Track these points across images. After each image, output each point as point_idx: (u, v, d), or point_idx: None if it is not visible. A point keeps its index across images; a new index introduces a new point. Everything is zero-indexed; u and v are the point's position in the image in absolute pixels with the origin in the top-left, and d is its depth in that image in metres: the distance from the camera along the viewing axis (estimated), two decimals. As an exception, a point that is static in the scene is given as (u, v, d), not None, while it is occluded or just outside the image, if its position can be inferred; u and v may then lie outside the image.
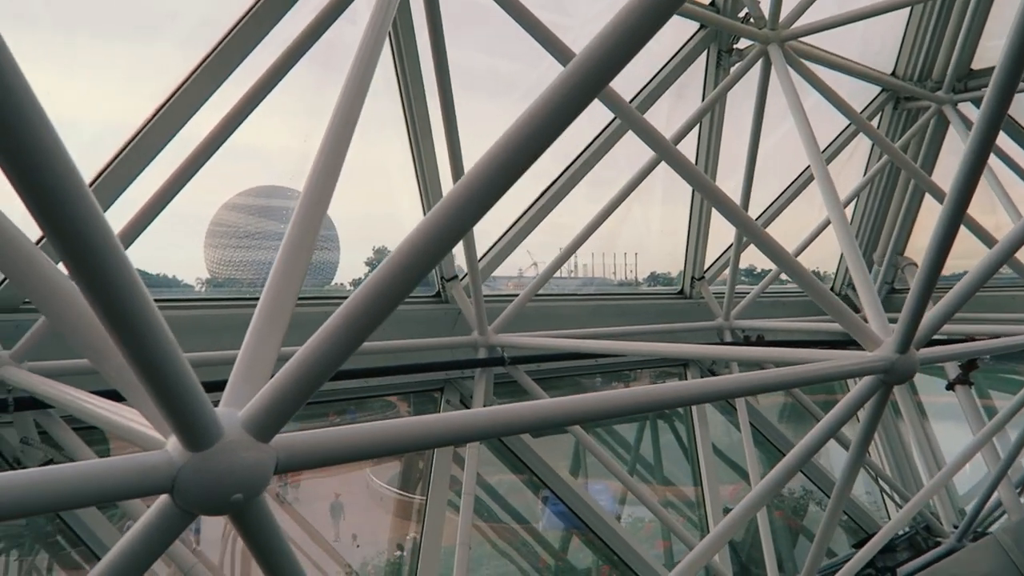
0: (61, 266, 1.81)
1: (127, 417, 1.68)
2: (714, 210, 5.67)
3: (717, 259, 6.67)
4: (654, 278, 7.19)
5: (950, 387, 6.97)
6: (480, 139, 4.83)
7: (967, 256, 6.15)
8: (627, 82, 5.50)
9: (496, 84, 5.63)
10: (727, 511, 6.05)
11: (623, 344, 4.53)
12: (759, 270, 7.56)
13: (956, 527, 6.59)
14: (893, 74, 6.89)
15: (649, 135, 3.61)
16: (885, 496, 7.95)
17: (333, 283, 5.59)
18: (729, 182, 6.12)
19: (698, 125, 5.56)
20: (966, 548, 6.01)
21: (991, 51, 6.77)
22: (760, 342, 6.03)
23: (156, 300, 1.23)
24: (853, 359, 3.04)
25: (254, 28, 3.66)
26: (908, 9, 6.57)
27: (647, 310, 6.23)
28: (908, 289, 7.63)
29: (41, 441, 3.47)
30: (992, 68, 2.33)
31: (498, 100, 5.69)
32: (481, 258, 5.08)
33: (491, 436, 4.43)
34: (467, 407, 5.07)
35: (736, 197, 5.54)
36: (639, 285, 7.04)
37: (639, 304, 6.37)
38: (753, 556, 6.59)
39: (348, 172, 2.39)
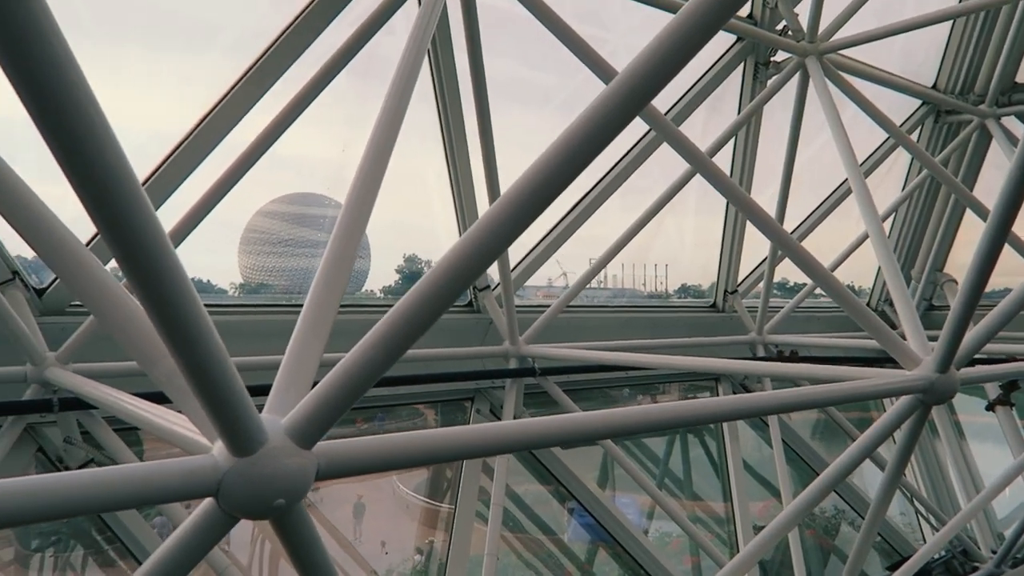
0: (110, 268, 1.87)
1: (172, 421, 1.72)
2: (748, 223, 5.63)
3: (751, 273, 6.62)
4: (684, 290, 7.15)
5: (990, 407, 6.82)
6: (515, 149, 4.87)
7: (1009, 273, 6.03)
8: (663, 93, 5.49)
9: (532, 95, 5.66)
10: (757, 528, 5.98)
11: (654, 357, 4.51)
12: (792, 283, 7.48)
13: (994, 552, 6.43)
14: (934, 87, 6.79)
15: (684, 148, 3.60)
16: (920, 518, 7.79)
17: (364, 290, 5.65)
18: (764, 194, 6.08)
19: (734, 137, 5.53)
20: (1004, 574, 5.86)
21: (1039, 63, 6.65)
22: (794, 358, 5.96)
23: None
24: (891, 378, 2.99)
25: (297, 40, 3.73)
26: (950, 22, 6.47)
27: (679, 323, 6.19)
28: (947, 306, 7.52)
29: (83, 440, 3.55)
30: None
31: (535, 111, 5.72)
32: (513, 269, 5.10)
33: (525, 448, 4.44)
34: (497, 417, 5.08)
35: (771, 209, 5.50)
36: (669, 297, 7.00)
37: (671, 317, 6.33)
38: None
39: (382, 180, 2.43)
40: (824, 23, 4.97)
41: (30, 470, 3.60)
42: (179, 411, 1.74)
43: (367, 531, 5.65)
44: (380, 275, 5.69)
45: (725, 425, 6.40)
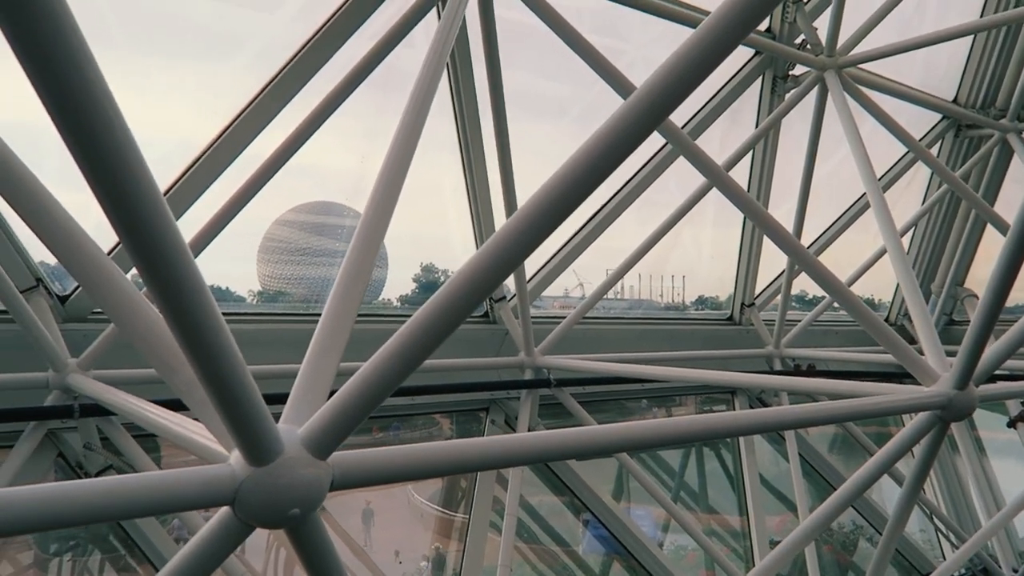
0: (131, 276, 1.90)
1: (191, 429, 1.75)
2: (766, 236, 5.61)
3: (768, 286, 6.58)
4: (702, 302, 7.13)
5: (1011, 424, 6.73)
6: (532, 161, 4.90)
7: (1030, 289, 5.96)
8: (680, 106, 5.48)
9: (549, 106, 5.68)
10: (773, 543, 5.93)
11: (670, 370, 4.50)
12: (811, 296, 7.44)
13: (1015, 571, 6.33)
14: (955, 101, 6.75)
15: (701, 161, 3.61)
16: (940, 535, 7.69)
17: (381, 299, 5.68)
18: (782, 208, 6.05)
19: (751, 150, 5.52)
20: (1026, 593, 5.77)
21: (1058, 79, 6.59)
22: (811, 372, 5.92)
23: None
24: (908, 394, 2.97)
25: (318, 53, 3.78)
26: (971, 36, 6.44)
27: (695, 335, 6.17)
28: (967, 321, 7.43)
29: (102, 446, 3.59)
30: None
31: (551, 122, 5.74)
32: (529, 280, 5.11)
33: (541, 460, 4.44)
34: (512, 428, 5.08)
35: (789, 223, 5.48)
36: (686, 309, 6.98)
37: (687, 329, 6.31)
38: (800, 591, 6.43)
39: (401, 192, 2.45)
40: (843, 37, 4.96)
41: (50, 475, 3.65)
42: (197, 419, 1.76)
43: (382, 539, 5.66)
44: (397, 284, 5.72)
45: (741, 439, 6.36)
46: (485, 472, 5.01)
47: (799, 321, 6.28)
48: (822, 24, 5.06)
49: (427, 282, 5.68)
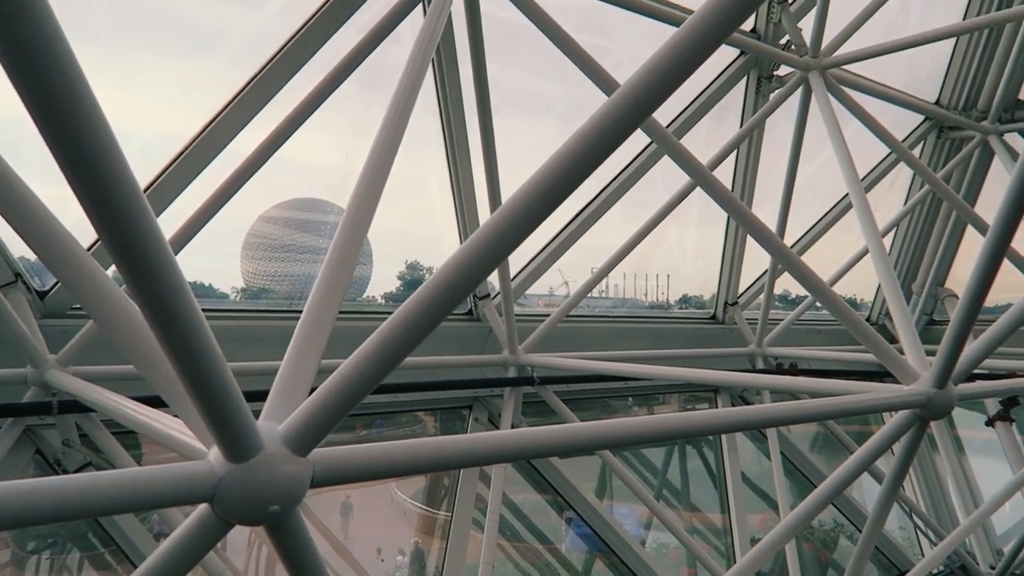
0: (111, 272, 1.88)
1: (170, 426, 1.73)
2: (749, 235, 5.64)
3: (751, 285, 6.62)
4: (686, 300, 7.16)
5: (990, 423, 6.81)
6: (517, 158, 4.89)
7: (1011, 289, 6.03)
8: (665, 105, 5.50)
9: (535, 104, 5.68)
10: (755, 541, 5.97)
11: (653, 368, 4.51)
12: (794, 295, 7.49)
13: (993, 568, 6.41)
14: (937, 103, 6.81)
15: (685, 161, 3.62)
16: (919, 532, 7.77)
17: (365, 296, 5.66)
18: (766, 207, 6.09)
19: (736, 149, 5.55)
20: (1003, 590, 5.84)
21: (1039, 82, 6.67)
22: (793, 370, 5.96)
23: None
24: (888, 393, 3.00)
25: (303, 48, 3.76)
26: (954, 39, 6.50)
27: (679, 334, 6.20)
28: (948, 321, 7.50)
29: (81, 443, 3.56)
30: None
31: (537, 120, 5.74)
32: (514, 277, 5.11)
33: (522, 458, 4.44)
34: (495, 425, 5.08)
35: (773, 222, 5.51)
36: (670, 307, 7.01)
37: (671, 328, 6.34)
38: (781, 588, 6.48)
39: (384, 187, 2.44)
40: (828, 38, 4.99)
41: (28, 472, 3.61)
42: (176, 416, 1.75)
43: (364, 537, 5.64)
44: (382, 281, 5.70)
45: (724, 437, 6.40)
46: (468, 470, 5.00)
47: (782, 320, 6.32)
48: (807, 25, 5.09)
49: (412, 279, 5.66)
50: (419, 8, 3.58)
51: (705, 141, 5.81)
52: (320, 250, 5.57)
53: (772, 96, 5.37)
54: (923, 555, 7.35)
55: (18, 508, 1.23)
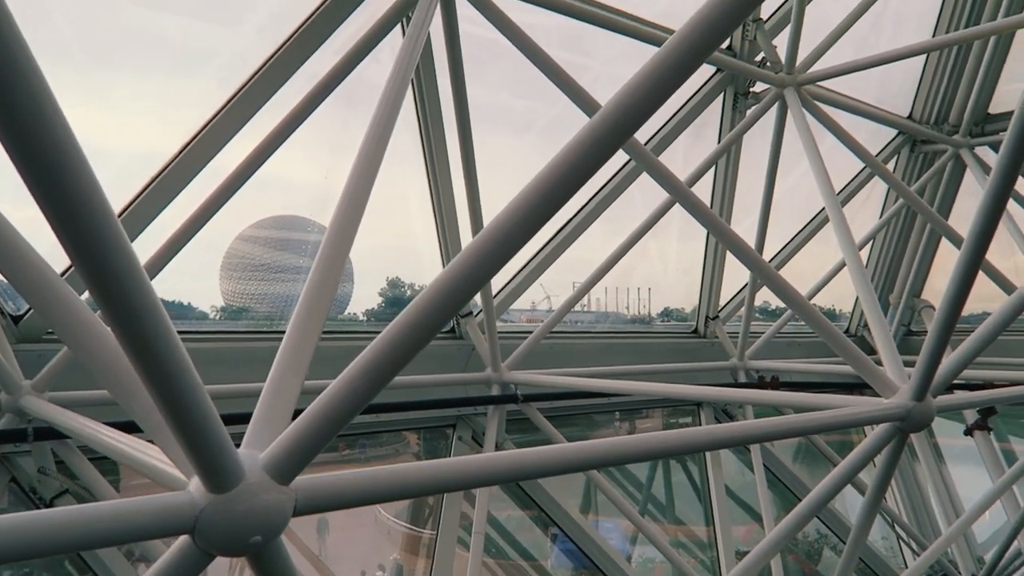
0: (84, 297, 1.86)
1: (149, 454, 1.70)
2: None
3: (732, 298, 6.67)
4: (667, 313, 7.19)
5: (968, 432, 6.88)
6: (497, 174, 4.91)
7: (984, 299, 6.11)
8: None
9: (514, 120, 5.70)
10: (739, 553, 5.97)
11: (637, 385, 4.52)
12: (774, 307, 7.54)
13: (974, 575, 6.46)
14: (910, 117, 6.92)
15: (664, 178, 3.64)
16: (902, 542, 7.82)
17: (347, 313, 5.63)
18: (744, 222, 6.14)
19: (714, 165, 5.60)
20: (984, 598, 5.89)
21: (1008, 95, 6.79)
22: (775, 383, 5.99)
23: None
24: (869, 406, 3.02)
25: (283, 67, 3.75)
26: (925, 54, 6.61)
27: (661, 348, 6.22)
28: (925, 332, 7.58)
29: (57, 470, 3.49)
30: (1009, 113, 2.34)
31: (516, 135, 5.76)
32: (496, 294, 5.10)
33: (508, 480, 4.41)
34: (479, 443, 5.06)
35: (752, 236, 5.56)
36: (652, 320, 7.03)
37: (653, 343, 6.36)
38: (766, 600, 6.48)
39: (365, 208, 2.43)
40: (802, 55, 5.06)
41: (2, 501, 3.54)
42: (153, 442, 1.72)
43: (348, 557, 5.57)
44: (363, 299, 5.67)
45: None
46: (452, 489, 4.96)
47: (762, 333, 6.36)
48: (781, 42, 5.16)
49: (393, 296, 5.64)
50: (398, 26, 3.60)
51: (684, 156, 5.86)
52: (300, 269, 5.54)
53: (748, 112, 5.43)
54: (906, 565, 7.40)
55: (-7, 544, 1.20)
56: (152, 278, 3.18)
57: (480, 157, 4.11)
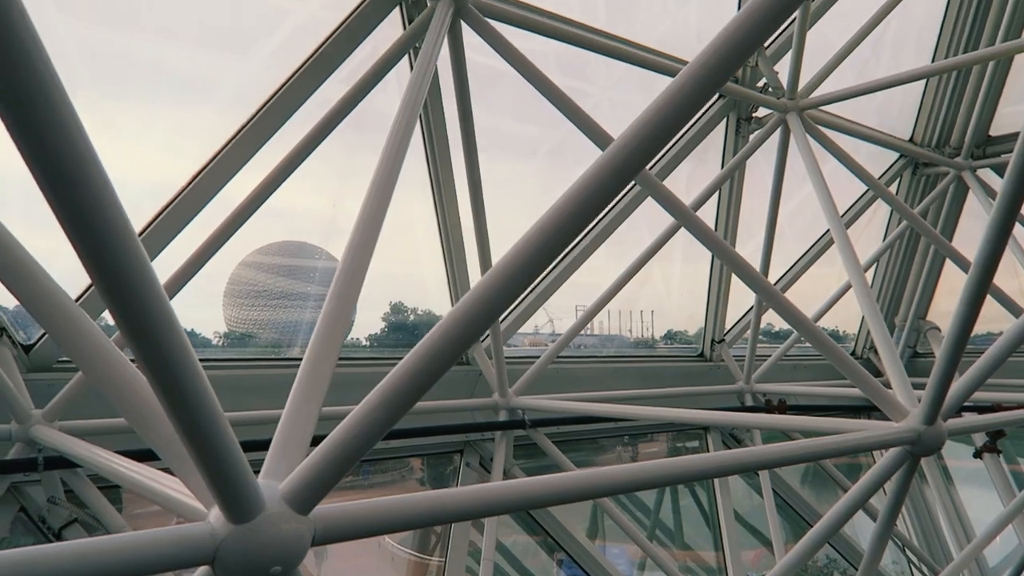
0: (105, 326, 1.87)
1: (166, 484, 1.71)
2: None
3: (737, 321, 6.67)
4: (671, 336, 7.19)
5: (978, 455, 6.83)
6: (501, 199, 4.94)
7: (989, 321, 6.11)
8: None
9: (518, 146, 5.75)
10: (749, 580, 5.92)
11: (643, 409, 4.51)
12: (778, 329, 7.54)
13: (987, 600, 6.38)
14: (911, 140, 6.97)
15: (670, 203, 3.67)
16: (912, 567, 7.74)
17: (349, 338, 5.63)
18: (749, 245, 6.16)
19: (718, 189, 5.63)
20: (998, 623, 5.81)
21: (1008, 117, 6.84)
22: (782, 407, 5.98)
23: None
24: (879, 430, 3.01)
25: (292, 97, 3.80)
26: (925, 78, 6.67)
27: (667, 372, 6.22)
28: (931, 353, 7.57)
29: (67, 499, 3.48)
30: (1010, 135, 2.35)
31: (521, 161, 5.80)
32: (502, 320, 5.12)
33: (523, 508, 4.39)
34: (487, 469, 5.04)
35: (756, 259, 5.58)
36: (656, 343, 7.03)
37: (660, 367, 6.35)
38: (776, 627, 6.40)
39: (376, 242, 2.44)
40: (803, 80, 5.12)
41: (10, 530, 3.52)
42: (167, 470, 1.72)
43: (323, 567, 5.49)
44: (367, 323, 5.68)
45: (715, 474, 6.37)
46: (461, 515, 4.93)
47: (768, 356, 6.36)
48: (783, 68, 5.22)
49: (397, 322, 5.64)
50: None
51: (688, 180, 5.89)
52: (306, 296, 5.54)
53: (752, 137, 5.48)
54: (917, 589, 7.31)
55: (12, 578, 1.21)
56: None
57: (485, 182, 4.14)
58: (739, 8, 5.58)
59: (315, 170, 4.32)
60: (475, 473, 5.09)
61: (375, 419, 1.47)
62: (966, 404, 3.58)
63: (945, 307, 7.56)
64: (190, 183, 3.72)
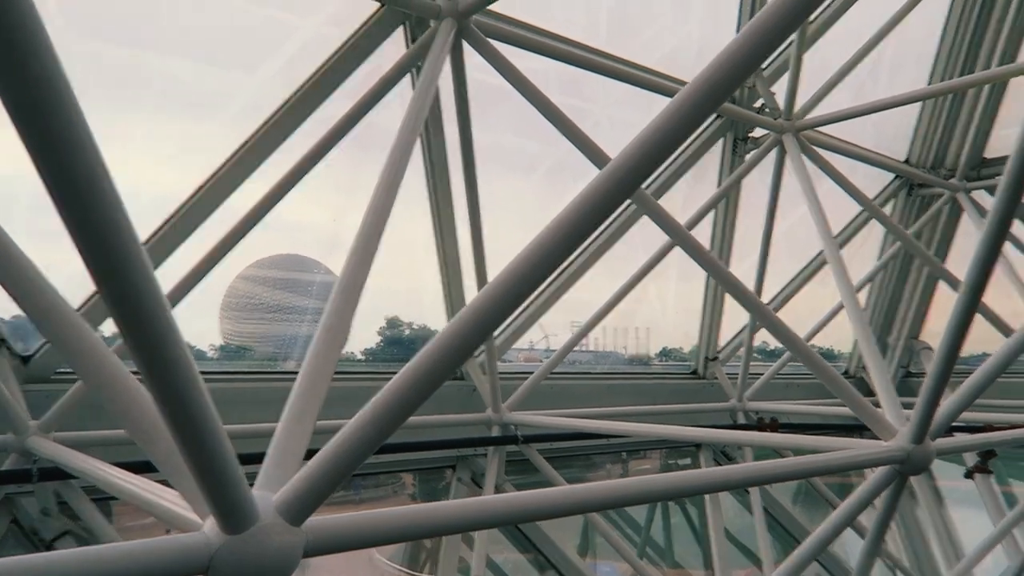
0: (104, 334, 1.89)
1: (160, 495, 1.73)
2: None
3: (731, 340, 6.70)
4: (665, 353, 7.22)
5: (968, 475, 6.86)
6: (499, 215, 4.97)
7: (980, 342, 6.15)
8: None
9: (517, 163, 5.80)
10: (740, 598, 5.92)
11: (636, 426, 4.53)
12: (772, 347, 7.57)
13: (977, 622, 6.37)
14: (906, 161, 7.03)
15: (665, 222, 3.70)
16: (902, 586, 7.73)
17: (344, 352, 5.63)
18: (744, 263, 6.20)
19: (714, 208, 5.68)
20: (988, 645, 5.82)
21: (1003, 140, 6.91)
22: (774, 425, 6.00)
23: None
24: (867, 449, 3.04)
25: (296, 112, 3.85)
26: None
27: (661, 390, 6.24)
28: (924, 373, 7.58)
29: (59, 511, 3.48)
30: (1005, 157, 2.39)
31: (521, 177, 5.84)
32: (497, 335, 5.14)
33: (515, 522, 4.39)
34: (479, 485, 5.05)
35: (751, 278, 5.62)
36: (651, 360, 7.06)
37: (653, 384, 6.38)
38: (766, 646, 6.39)
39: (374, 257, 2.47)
40: (800, 101, 5.18)
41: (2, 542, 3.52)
42: (163, 482, 1.74)
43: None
44: (362, 338, 5.69)
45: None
46: (452, 531, 4.94)
47: (761, 374, 6.39)
48: (780, 88, 5.28)
49: (392, 336, 5.66)
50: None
51: (684, 199, 5.94)
52: (304, 310, 5.56)
53: (748, 157, 5.53)
54: (908, 610, 7.31)
55: (9, 585, 1.22)
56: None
57: (485, 198, 4.18)
58: (738, 30, 5.67)
59: (319, 184, 4.36)
60: (467, 488, 5.10)
61: (368, 433, 1.49)
62: (956, 424, 3.61)
63: (938, 328, 7.61)
64: (194, 195, 3.76)
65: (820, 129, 5.58)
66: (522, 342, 5.72)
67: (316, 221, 5.05)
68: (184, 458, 1.31)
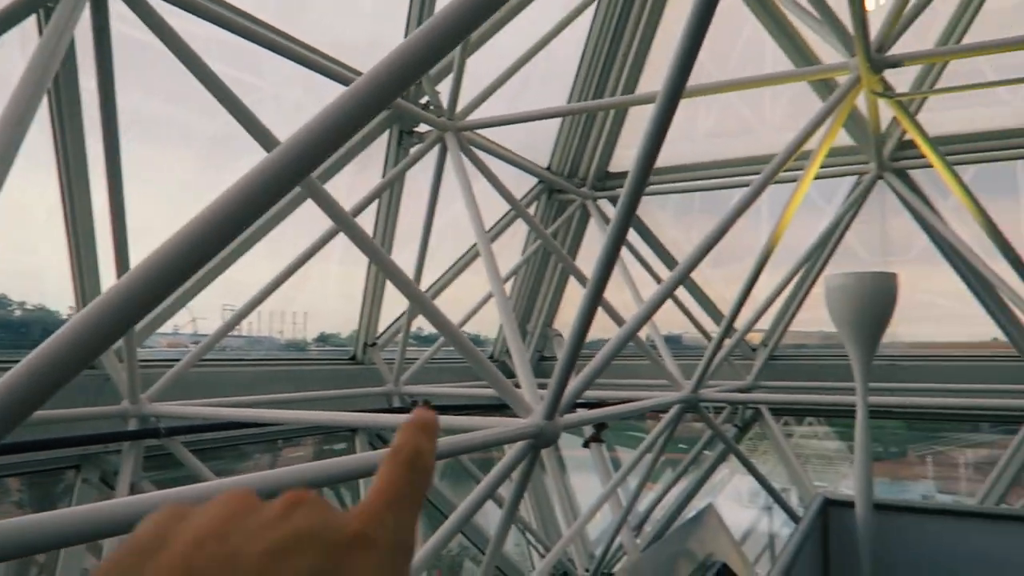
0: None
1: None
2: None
3: (390, 326, 6.89)
4: (323, 339, 7.18)
5: (586, 445, 7.92)
6: (147, 189, 4.50)
7: (607, 330, 7.12)
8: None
9: (170, 132, 5.31)
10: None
11: (290, 413, 4.44)
12: (427, 333, 7.94)
13: (588, 570, 7.42)
14: (548, 168, 7.86)
15: (329, 206, 3.67)
16: (531, 547, 8.67)
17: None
18: (406, 250, 6.41)
19: (378, 197, 5.78)
20: (595, 589, 6.80)
21: (624, 158, 8.07)
22: (426, 407, 6.29)
23: None
24: (507, 427, 3.36)
25: None
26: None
27: (319, 376, 6.19)
28: (555, 357, 8.57)
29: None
30: (624, 172, 2.82)
31: (170, 149, 5.36)
32: (139, 318, 4.65)
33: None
34: (110, 485, 4.52)
35: (411, 265, 5.84)
36: (308, 345, 6.96)
37: (311, 370, 6.30)
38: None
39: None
40: (462, 102, 5.50)
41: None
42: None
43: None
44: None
45: (361, 475, 6.49)
46: (71, 548, 4.33)
47: (417, 359, 6.68)
48: (445, 88, 5.55)
49: (-1, 317, 4.83)
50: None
51: (348, 187, 5.95)
52: None
53: (412, 151, 5.73)
54: (534, 567, 8.23)
55: None
56: None
57: (128, 167, 3.74)
58: (407, 25, 5.80)
59: None
60: (94, 490, 4.52)
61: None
62: (579, 401, 4.16)
63: (569, 317, 8.65)
64: None
65: (479, 132, 5.99)
66: (167, 327, 5.25)
67: None
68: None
